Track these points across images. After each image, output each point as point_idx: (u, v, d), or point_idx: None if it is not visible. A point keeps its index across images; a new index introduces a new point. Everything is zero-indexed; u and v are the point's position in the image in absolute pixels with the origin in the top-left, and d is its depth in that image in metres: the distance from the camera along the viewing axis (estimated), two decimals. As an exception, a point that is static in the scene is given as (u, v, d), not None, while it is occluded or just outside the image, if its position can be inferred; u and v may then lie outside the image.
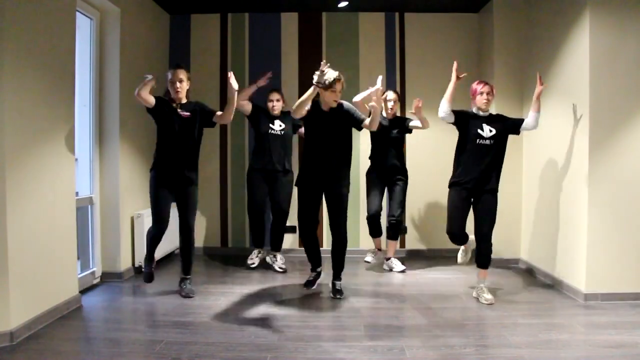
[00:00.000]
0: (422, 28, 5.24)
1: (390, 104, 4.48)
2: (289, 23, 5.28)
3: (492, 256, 4.67)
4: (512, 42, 4.75)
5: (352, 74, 5.25)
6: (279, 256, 4.57)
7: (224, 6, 5.14)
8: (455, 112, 3.66)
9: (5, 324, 2.74)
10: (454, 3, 5.01)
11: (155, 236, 3.73)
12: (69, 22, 3.35)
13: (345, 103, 3.70)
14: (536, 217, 4.44)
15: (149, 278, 3.81)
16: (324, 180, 3.63)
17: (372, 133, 4.51)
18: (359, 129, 3.72)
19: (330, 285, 3.79)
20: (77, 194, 3.65)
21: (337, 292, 3.70)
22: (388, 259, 4.61)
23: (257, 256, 4.64)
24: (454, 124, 3.71)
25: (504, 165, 4.67)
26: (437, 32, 5.23)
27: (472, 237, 3.79)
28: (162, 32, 5.15)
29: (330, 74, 3.49)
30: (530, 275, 4.42)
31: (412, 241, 5.26)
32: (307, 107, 3.55)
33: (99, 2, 3.93)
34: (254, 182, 4.50)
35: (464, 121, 3.65)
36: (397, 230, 4.51)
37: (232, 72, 3.54)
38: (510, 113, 4.71)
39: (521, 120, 3.71)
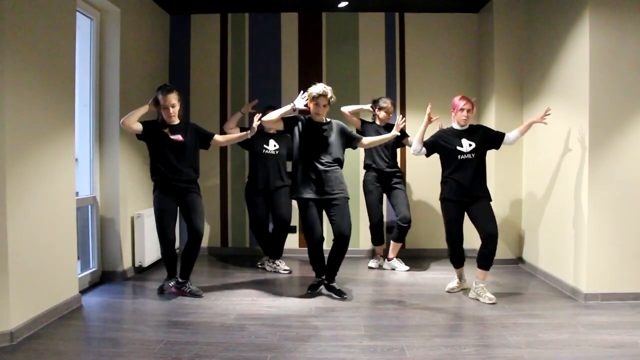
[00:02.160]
0: (422, 28, 5.24)
1: (382, 114, 4.47)
2: (289, 23, 5.28)
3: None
4: (512, 42, 4.75)
5: (352, 74, 5.26)
6: (277, 261, 4.56)
7: (224, 6, 5.14)
8: (427, 145, 3.72)
9: (5, 324, 2.74)
10: (454, 3, 5.01)
11: (164, 252, 3.77)
12: (69, 22, 3.35)
13: (336, 122, 3.77)
14: (536, 217, 4.44)
15: (161, 291, 3.79)
16: (327, 189, 3.62)
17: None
18: (354, 147, 3.83)
19: (327, 289, 3.77)
20: (77, 194, 3.65)
21: (340, 293, 3.69)
22: (390, 259, 4.61)
23: (270, 266, 4.59)
24: (427, 155, 3.78)
25: (504, 166, 4.72)
26: (437, 32, 5.23)
27: (469, 280, 3.84)
28: (162, 32, 5.15)
29: (317, 88, 3.59)
30: (530, 275, 4.42)
31: (412, 241, 5.25)
32: (278, 125, 3.65)
33: (99, 2, 3.94)
34: (252, 199, 4.49)
35: (439, 146, 3.71)
36: (405, 233, 4.51)
37: (258, 121, 3.73)
38: (510, 113, 4.75)
39: (502, 135, 3.73)
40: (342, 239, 3.61)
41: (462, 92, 5.16)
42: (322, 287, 3.85)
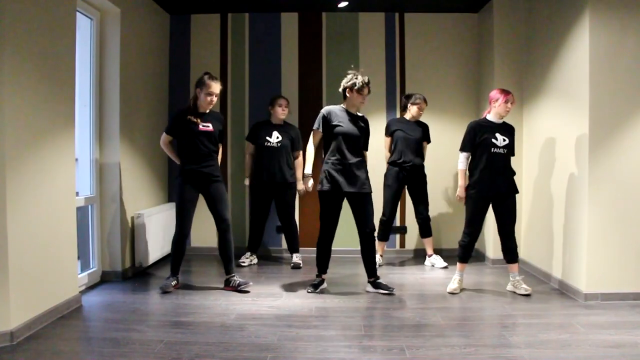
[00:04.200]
0: (422, 28, 5.24)
1: (414, 109, 4.56)
2: (289, 23, 5.28)
3: (492, 256, 4.72)
4: (512, 42, 4.75)
5: (352, 74, 5.26)
6: (294, 255, 4.73)
7: (224, 6, 5.14)
8: (468, 148, 3.78)
9: (5, 324, 2.74)
10: (454, 3, 5.01)
11: (176, 240, 3.79)
12: (69, 22, 3.35)
13: (365, 117, 3.88)
14: (536, 217, 4.44)
15: (164, 290, 3.79)
16: (354, 181, 3.65)
17: (395, 135, 4.59)
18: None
19: (374, 287, 3.79)
20: (77, 194, 3.65)
21: (388, 287, 3.75)
22: (430, 255, 4.74)
23: (248, 258, 4.80)
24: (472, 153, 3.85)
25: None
26: (437, 32, 5.23)
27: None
28: (162, 32, 5.15)
29: (361, 77, 3.68)
30: (530, 275, 4.42)
31: (412, 241, 5.25)
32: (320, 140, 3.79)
33: (99, 2, 3.93)
34: (255, 192, 4.64)
35: (475, 141, 3.75)
36: (426, 227, 4.64)
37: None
38: (510, 113, 4.70)
39: (512, 154, 3.82)
40: (366, 234, 3.68)
41: (462, 92, 5.21)
42: (322, 286, 3.86)
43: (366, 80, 3.66)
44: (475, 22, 5.23)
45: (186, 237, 3.82)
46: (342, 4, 5.01)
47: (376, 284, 3.80)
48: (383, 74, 5.25)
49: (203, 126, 3.71)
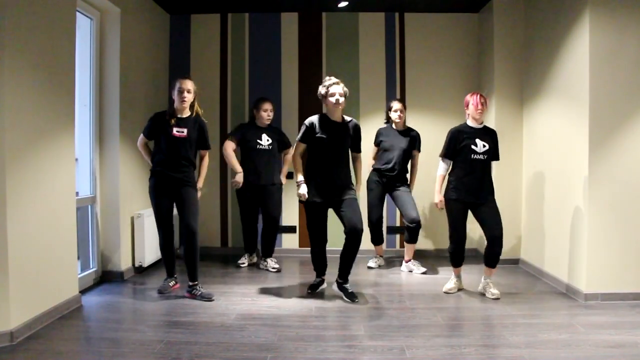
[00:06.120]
0: (422, 28, 5.24)
1: (396, 115, 4.44)
2: (289, 23, 5.28)
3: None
4: (512, 42, 4.75)
5: (352, 74, 5.26)
6: (269, 260, 4.58)
7: (224, 6, 5.14)
8: (449, 156, 3.75)
9: (5, 324, 2.74)
10: (454, 3, 5.01)
11: (162, 245, 3.76)
12: (69, 22, 3.35)
13: (355, 122, 3.75)
14: (536, 217, 4.44)
15: (161, 291, 3.78)
16: (337, 190, 3.60)
17: (381, 143, 4.52)
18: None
19: (339, 289, 3.70)
20: (77, 194, 3.65)
21: (351, 296, 3.61)
22: (407, 261, 4.56)
23: (247, 259, 4.78)
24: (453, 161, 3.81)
25: (503, 166, 4.72)
26: (437, 32, 5.23)
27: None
28: (162, 32, 5.15)
29: (326, 81, 3.59)
30: (530, 275, 4.42)
31: (412, 241, 5.25)
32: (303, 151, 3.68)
33: (99, 2, 3.94)
34: (243, 194, 4.52)
35: (456, 150, 3.71)
36: (416, 233, 4.43)
37: None
38: (510, 113, 4.76)
39: (497, 158, 3.78)
40: (354, 233, 3.52)
41: (462, 92, 5.19)
42: (322, 287, 3.86)
43: (331, 82, 3.56)
44: (475, 22, 5.23)
45: (171, 240, 3.76)
46: (342, 4, 5.01)
47: (342, 287, 3.69)
48: (383, 74, 5.25)
49: (177, 131, 3.58)
